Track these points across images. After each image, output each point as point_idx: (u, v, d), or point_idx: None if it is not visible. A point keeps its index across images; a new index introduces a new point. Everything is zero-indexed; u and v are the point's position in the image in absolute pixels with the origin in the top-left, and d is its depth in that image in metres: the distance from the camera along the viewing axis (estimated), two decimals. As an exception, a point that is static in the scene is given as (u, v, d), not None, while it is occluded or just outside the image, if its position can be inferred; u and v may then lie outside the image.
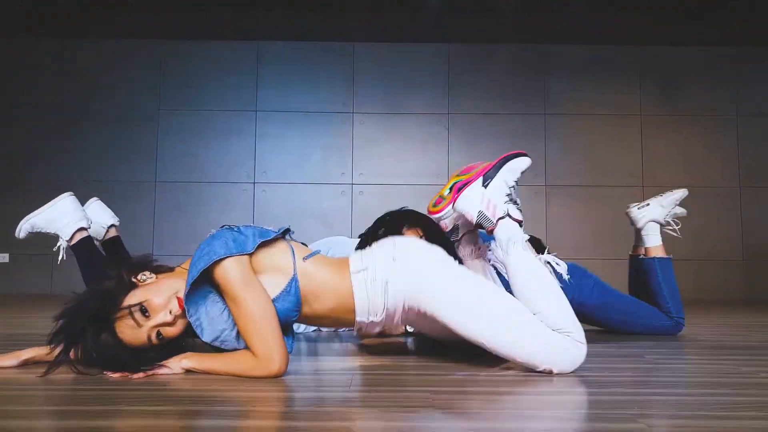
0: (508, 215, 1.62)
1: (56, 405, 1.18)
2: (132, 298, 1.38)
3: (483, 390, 1.33)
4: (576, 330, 1.49)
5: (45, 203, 2.68)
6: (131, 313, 1.36)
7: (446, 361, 1.66)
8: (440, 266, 1.52)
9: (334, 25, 5.50)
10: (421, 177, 5.36)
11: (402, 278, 1.49)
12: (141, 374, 1.38)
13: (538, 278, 1.55)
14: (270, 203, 5.38)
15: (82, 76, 5.45)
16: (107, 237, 2.59)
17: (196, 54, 5.49)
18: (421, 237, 2.03)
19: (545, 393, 1.32)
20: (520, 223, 1.64)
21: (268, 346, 1.36)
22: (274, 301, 1.43)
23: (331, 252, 2.34)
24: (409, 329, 2.24)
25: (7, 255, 5.20)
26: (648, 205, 2.51)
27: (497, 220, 1.62)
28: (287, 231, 1.58)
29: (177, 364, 1.42)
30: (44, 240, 5.22)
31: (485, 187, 1.65)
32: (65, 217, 2.34)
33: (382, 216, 2.10)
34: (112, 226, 2.59)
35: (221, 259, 1.37)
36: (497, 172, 1.66)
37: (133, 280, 1.42)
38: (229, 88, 5.48)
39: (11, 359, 1.52)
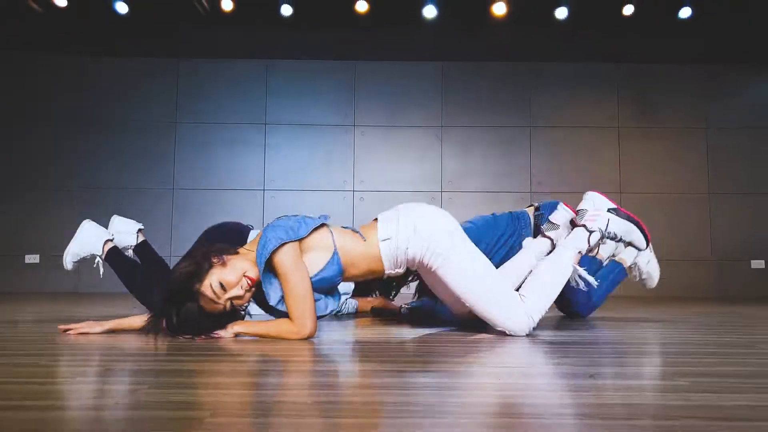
0: (589, 232, 2.06)
1: (141, 354, 1.64)
2: (212, 277, 1.80)
3: (457, 344, 1.80)
4: (538, 318, 1.97)
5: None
6: (213, 289, 1.80)
7: (432, 328, 2.13)
8: (449, 237, 1.96)
9: (337, 44, 5.96)
10: (417, 184, 5.82)
11: (419, 245, 1.94)
12: (202, 337, 1.84)
13: (557, 274, 2.02)
14: (278, 208, 5.82)
15: (104, 91, 5.92)
16: (138, 241, 2.91)
17: (210, 71, 5.96)
18: None
19: (509, 345, 1.78)
20: (590, 250, 2.07)
21: (304, 315, 1.82)
22: (322, 269, 1.88)
23: None
24: (404, 311, 2.71)
25: (38, 256, 5.65)
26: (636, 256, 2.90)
27: (581, 225, 2.08)
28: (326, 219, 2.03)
29: (229, 330, 1.88)
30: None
31: (608, 211, 2.11)
32: (92, 237, 2.76)
33: None
34: (139, 230, 2.93)
35: (282, 245, 1.79)
36: (621, 220, 2.10)
37: (212, 261, 1.84)
38: (241, 103, 5.94)
39: (98, 327, 1.98)
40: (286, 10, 5.62)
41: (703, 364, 1.49)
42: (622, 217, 2.08)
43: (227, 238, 2.66)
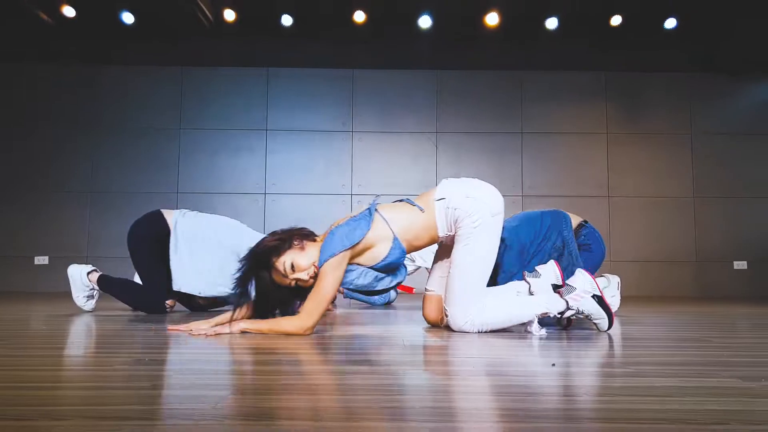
0: (567, 306, 2.21)
1: (161, 347, 1.85)
2: (288, 256, 2.04)
3: (436, 340, 2.01)
4: (475, 330, 2.17)
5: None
6: (284, 266, 2.03)
7: (423, 326, 2.34)
8: (489, 216, 2.17)
9: (335, 53, 6.17)
10: (412, 188, 6.01)
11: (466, 207, 2.16)
12: (212, 333, 2.04)
13: (517, 315, 2.20)
14: (279, 211, 6.03)
15: (112, 98, 6.12)
16: (93, 279, 3.11)
17: (213, 79, 6.16)
18: None
19: (480, 340, 1.99)
20: (560, 313, 2.23)
21: (313, 311, 2.03)
22: (386, 257, 2.10)
23: None
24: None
25: (46, 257, 5.86)
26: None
27: (565, 299, 2.23)
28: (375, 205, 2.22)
29: (236, 326, 2.08)
30: (78, 243, 5.86)
31: (592, 297, 2.24)
32: (76, 276, 3.09)
33: None
34: (91, 271, 3.12)
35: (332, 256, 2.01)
36: (598, 308, 2.24)
37: (293, 243, 2.07)
38: (242, 110, 6.14)
39: (205, 324, 2.14)
40: (287, 20, 5.84)
41: (655, 355, 1.71)
42: (601, 307, 2.24)
43: (148, 221, 3.03)
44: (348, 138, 6.14)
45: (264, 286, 2.07)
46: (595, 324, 2.29)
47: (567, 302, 2.23)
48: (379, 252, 2.11)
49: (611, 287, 3.17)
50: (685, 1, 5.59)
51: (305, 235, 2.13)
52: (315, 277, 2.07)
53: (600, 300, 2.26)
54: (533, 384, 1.28)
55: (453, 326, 2.19)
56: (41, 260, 5.84)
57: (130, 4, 5.69)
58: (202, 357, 1.62)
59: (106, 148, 6.04)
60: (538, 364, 1.55)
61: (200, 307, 3.27)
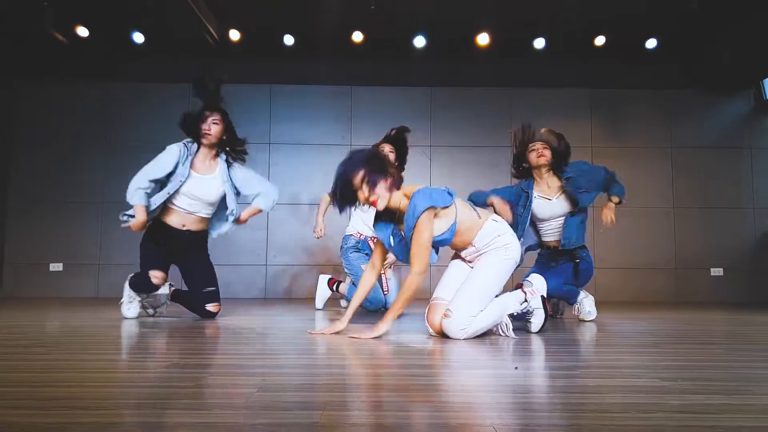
0: (527, 301, 2.76)
1: (200, 352, 2.17)
2: (380, 181, 2.44)
3: (446, 345, 2.34)
4: (464, 336, 2.49)
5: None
6: (367, 180, 2.44)
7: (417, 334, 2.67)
8: (513, 260, 2.62)
9: (335, 71, 6.49)
10: (408, 198, 6.34)
11: (505, 240, 2.62)
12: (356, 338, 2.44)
13: (495, 319, 2.58)
14: (281, 220, 6.35)
15: (122, 112, 6.43)
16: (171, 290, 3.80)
17: (219, 94, 6.47)
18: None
19: (463, 347, 2.32)
20: (525, 313, 2.75)
21: (418, 261, 2.44)
22: (443, 233, 2.52)
23: None
24: None
25: (61, 264, 6.17)
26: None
27: (524, 292, 2.77)
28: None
29: (383, 326, 2.49)
30: (91, 251, 6.13)
31: (541, 297, 2.80)
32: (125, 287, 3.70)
33: None
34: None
35: (424, 210, 2.41)
36: (543, 308, 2.77)
37: (387, 175, 2.47)
38: (247, 124, 6.39)
39: (341, 325, 2.58)
40: (289, 40, 6.16)
41: (602, 359, 2.04)
42: (543, 307, 2.79)
43: None
44: (347, 151, 6.41)
45: (344, 177, 2.46)
46: (529, 322, 2.73)
47: (525, 294, 2.69)
48: (441, 226, 2.53)
49: (588, 299, 3.65)
50: (664, 23, 5.93)
51: (398, 182, 2.53)
52: (368, 207, 2.45)
53: (543, 300, 2.76)
54: (500, 384, 1.61)
55: (449, 328, 2.47)
56: (56, 267, 6.16)
57: (141, 24, 6.00)
58: (230, 361, 1.95)
59: (117, 161, 6.33)
60: (499, 366, 1.88)
61: (209, 314, 3.57)
